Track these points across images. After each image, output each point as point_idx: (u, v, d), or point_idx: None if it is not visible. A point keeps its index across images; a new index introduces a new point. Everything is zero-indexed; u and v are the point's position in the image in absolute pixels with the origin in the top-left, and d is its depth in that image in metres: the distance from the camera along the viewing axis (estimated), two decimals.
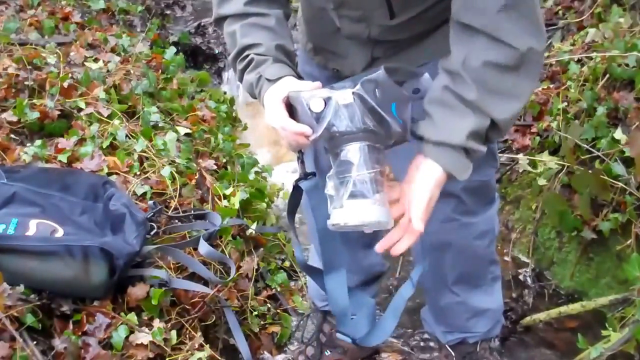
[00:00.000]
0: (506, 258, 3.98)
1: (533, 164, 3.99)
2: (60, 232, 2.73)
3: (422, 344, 3.32)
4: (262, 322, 3.19)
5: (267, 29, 2.18)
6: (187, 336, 2.85)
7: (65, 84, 4.05)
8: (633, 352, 2.69)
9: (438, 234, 2.69)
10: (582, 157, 3.62)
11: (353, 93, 1.83)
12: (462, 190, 2.60)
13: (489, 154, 2.58)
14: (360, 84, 1.83)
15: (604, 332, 2.72)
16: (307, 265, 2.23)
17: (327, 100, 1.85)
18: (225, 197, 3.58)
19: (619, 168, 3.37)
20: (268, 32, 2.17)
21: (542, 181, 3.84)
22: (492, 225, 2.85)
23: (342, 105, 1.84)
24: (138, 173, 3.51)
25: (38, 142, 3.56)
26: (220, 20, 2.28)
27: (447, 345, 3.10)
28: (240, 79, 2.22)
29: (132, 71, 4.59)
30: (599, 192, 3.37)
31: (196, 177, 3.61)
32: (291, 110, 1.97)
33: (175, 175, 3.51)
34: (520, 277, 3.79)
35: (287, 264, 3.63)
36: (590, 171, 3.46)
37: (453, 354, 3.08)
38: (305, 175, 2.07)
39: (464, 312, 2.98)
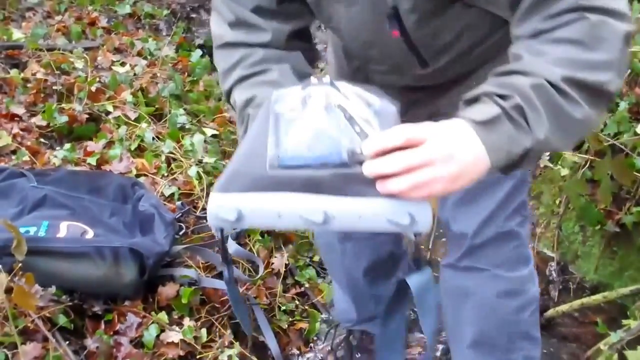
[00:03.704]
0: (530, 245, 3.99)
1: (555, 159, 3.98)
2: (90, 234, 2.77)
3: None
4: (290, 319, 3.21)
5: (265, 83, 1.84)
6: (217, 334, 2.88)
7: (93, 88, 4.10)
8: None
9: (457, 275, 2.53)
10: (605, 145, 3.58)
11: None
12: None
13: (520, 203, 2.40)
14: None
15: (624, 322, 2.72)
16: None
17: None
18: None
19: None
20: (267, 85, 1.82)
21: (564, 171, 3.83)
22: (524, 288, 2.54)
23: None
24: (166, 174, 3.55)
25: (67, 145, 3.61)
26: (228, 97, 1.96)
27: None
28: None
29: (158, 74, 4.64)
30: (621, 176, 3.34)
31: None
32: None
33: (202, 175, 3.55)
34: (545, 271, 3.79)
35: (316, 258, 3.63)
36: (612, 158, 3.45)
37: None
38: (226, 259, 1.67)
39: None
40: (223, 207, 1.43)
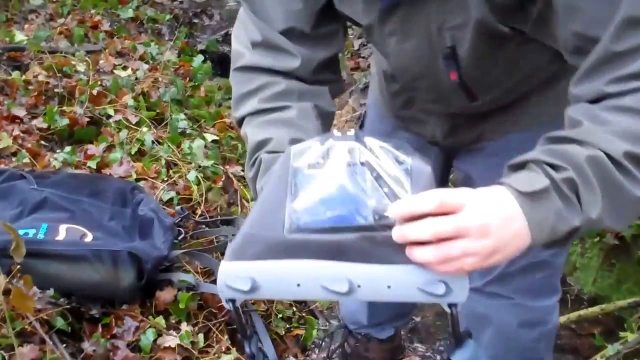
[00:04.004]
0: None
1: None
2: (89, 237, 2.77)
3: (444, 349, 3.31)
4: (287, 325, 3.21)
5: (282, 122, 1.68)
6: (214, 339, 2.87)
7: (95, 92, 4.11)
8: None
9: (480, 300, 2.44)
10: None
11: None
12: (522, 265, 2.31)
13: None
14: None
15: (622, 334, 2.72)
16: None
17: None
18: (252, 201, 3.60)
19: None
20: (284, 125, 1.67)
21: None
22: (546, 318, 2.46)
23: None
24: (165, 179, 3.55)
25: (68, 148, 3.61)
26: (239, 124, 1.81)
27: None
28: (255, 195, 1.65)
29: (160, 79, 4.65)
30: None
31: (222, 178, 3.63)
32: None
33: (202, 180, 3.55)
34: None
35: None
36: None
37: None
38: (244, 333, 1.44)
39: None
40: (235, 276, 1.26)
